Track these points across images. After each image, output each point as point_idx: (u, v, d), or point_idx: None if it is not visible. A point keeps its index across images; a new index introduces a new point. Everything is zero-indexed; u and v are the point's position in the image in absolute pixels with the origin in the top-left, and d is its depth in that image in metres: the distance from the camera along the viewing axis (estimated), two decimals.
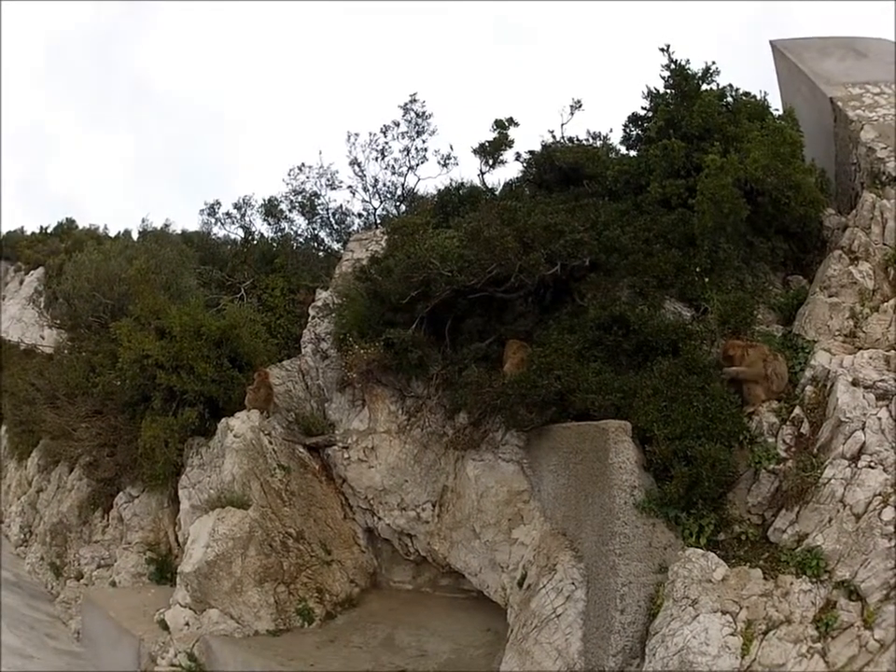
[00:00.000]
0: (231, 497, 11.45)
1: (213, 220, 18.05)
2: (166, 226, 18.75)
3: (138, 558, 13.58)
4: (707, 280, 9.43)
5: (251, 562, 11.04)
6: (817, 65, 13.61)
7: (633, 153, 11.25)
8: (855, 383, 8.70)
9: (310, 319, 11.62)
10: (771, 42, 14.41)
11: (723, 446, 8.32)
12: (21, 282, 22.99)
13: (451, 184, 12.69)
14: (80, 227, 21.07)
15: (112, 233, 18.57)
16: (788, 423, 8.77)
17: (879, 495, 7.72)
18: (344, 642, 10.90)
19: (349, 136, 17.25)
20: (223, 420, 11.80)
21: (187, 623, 10.79)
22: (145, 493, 13.64)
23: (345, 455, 10.97)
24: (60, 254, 19.74)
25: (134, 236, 18.25)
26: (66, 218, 22.65)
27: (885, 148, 11.64)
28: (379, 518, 11.08)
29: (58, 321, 17.30)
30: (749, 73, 14.55)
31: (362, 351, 9.67)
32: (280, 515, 11.35)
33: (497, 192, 12.06)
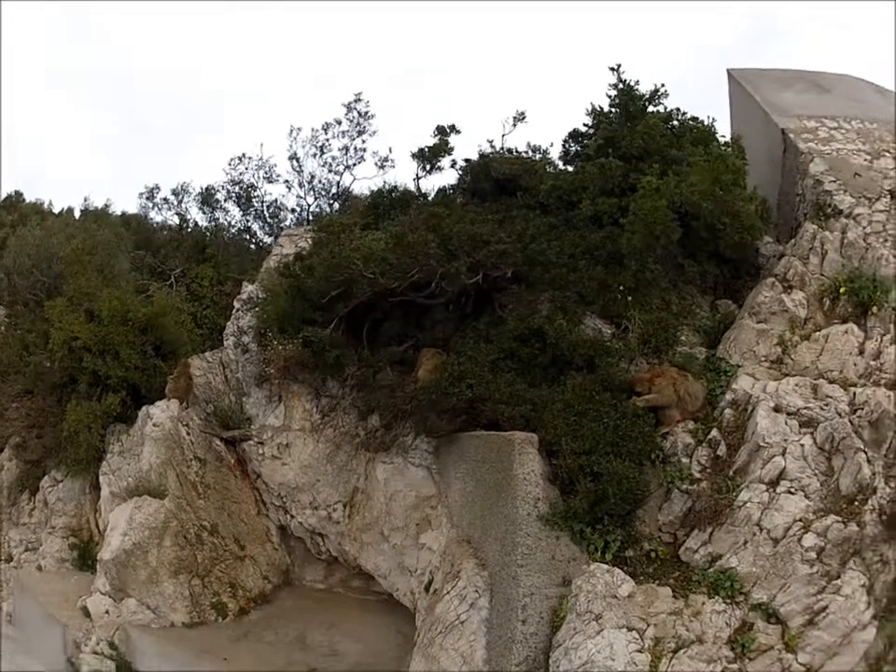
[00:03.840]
0: (148, 486, 11.35)
1: (151, 205, 17.80)
2: (107, 206, 18.57)
3: (62, 543, 13.38)
4: (630, 299, 9.50)
5: (166, 553, 10.98)
6: (772, 96, 13.80)
7: (570, 169, 11.31)
8: (777, 409, 8.86)
9: (234, 312, 11.51)
10: (728, 70, 14.60)
11: (633, 464, 8.38)
12: None
13: (385, 186, 12.71)
14: (28, 201, 20.67)
15: (56, 209, 18.28)
16: (704, 444, 8.90)
17: (800, 521, 7.91)
18: (257, 638, 10.93)
19: (291, 130, 17.09)
20: (144, 408, 11.71)
21: (107, 612, 10.77)
22: (69, 477, 13.42)
23: (260, 451, 10.89)
24: (5, 227, 19.31)
25: (77, 214, 17.98)
26: (14, 191, 22.13)
27: (833, 182, 11.88)
28: (292, 516, 11.01)
29: None
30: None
31: (281, 347, 9.60)
32: (195, 507, 11.25)
33: (430, 198, 12.04)
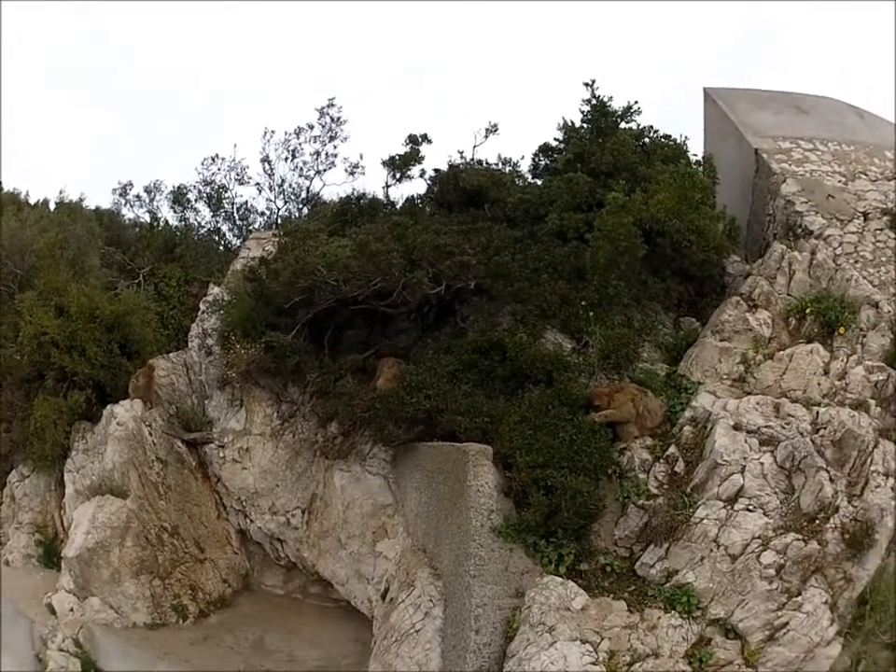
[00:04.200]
0: (111, 485, 11.34)
1: (123, 201, 17.79)
2: (81, 200, 18.39)
3: (28, 539, 13.33)
4: (592, 314, 9.54)
5: (128, 553, 10.97)
6: (748, 116, 13.89)
7: (539, 182, 11.38)
8: (737, 427, 8.92)
9: (200, 313, 11.51)
10: (705, 89, 14.70)
11: (588, 478, 8.42)
12: None
13: (353, 193, 12.68)
14: (5, 190, 20.52)
15: (33, 200, 18.21)
16: (662, 460, 8.95)
17: (758, 538, 7.98)
18: (217, 641, 10.95)
19: (265, 133, 17.15)
20: (108, 407, 11.67)
21: (71, 609, 10.79)
22: (35, 473, 13.37)
23: (221, 454, 10.89)
24: None
25: (53, 206, 17.92)
26: None
27: (805, 203, 12.01)
28: (251, 520, 11.01)
29: None
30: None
31: (243, 351, 9.60)
32: (156, 508, 11.24)
33: (398, 206, 12.06)
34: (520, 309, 9.40)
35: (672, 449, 9.05)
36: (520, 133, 12.73)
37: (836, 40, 37.25)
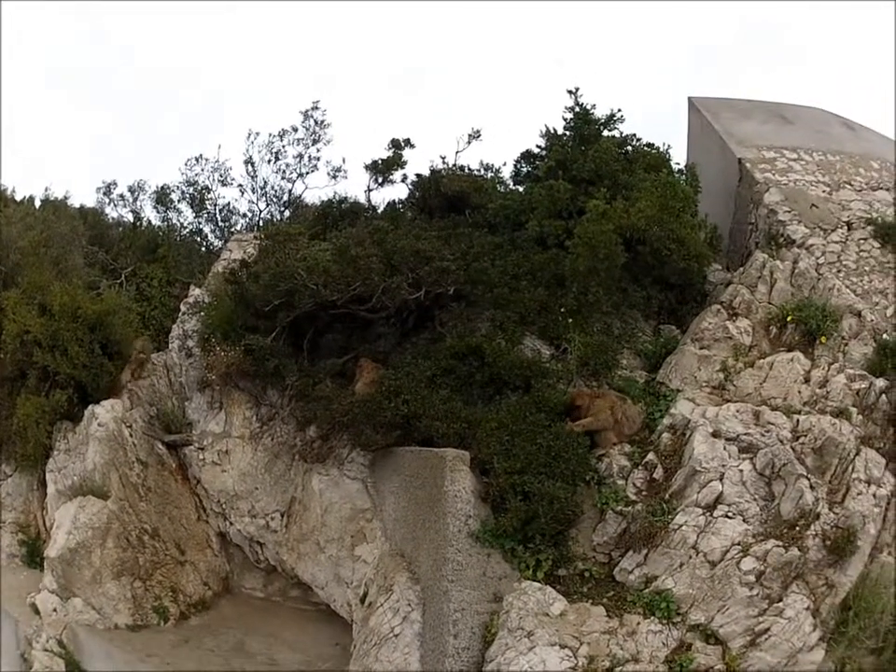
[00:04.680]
0: (92, 485, 11.28)
1: (107, 200, 17.61)
2: (66, 198, 18.31)
3: (11, 538, 13.18)
4: (571, 321, 9.62)
5: (109, 553, 10.93)
6: (733, 126, 14.01)
7: (520, 189, 11.44)
8: (716, 434, 9.00)
9: (181, 315, 11.50)
10: (689, 98, 14.84)
11: (566, 485, 8.50)
12: None
13: (335, 197, 12.80)
14: None
15: (18, 197, 18.16)
16: (640, 467, 9.05)
17: (738, 544, 8.05)
18: (198, 644, 10.90)
19: (249, 134, 17.06)
20: (90, 407, 11.56)
21: (55, 610, 10.70)
22: (17, 472, 13.27)
23: (201, 457, 10.86)
24: None
25: (38, 203, 17.90)
26: None
27: (788, 212, 12.12)
28: (231, 523, 10.98)
29: None
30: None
31: (223, 353, 9.60)
32: (137, 510, 11.19)
33: (379, 211, 12.11)
34: (499, 315, 9.46)
35: (651, 456, 9.13)
36: (504, 139, 12.85)
37: (835, 40, 37.45)
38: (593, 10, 39.92)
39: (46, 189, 18.01)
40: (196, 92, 37.67)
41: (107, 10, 40.01)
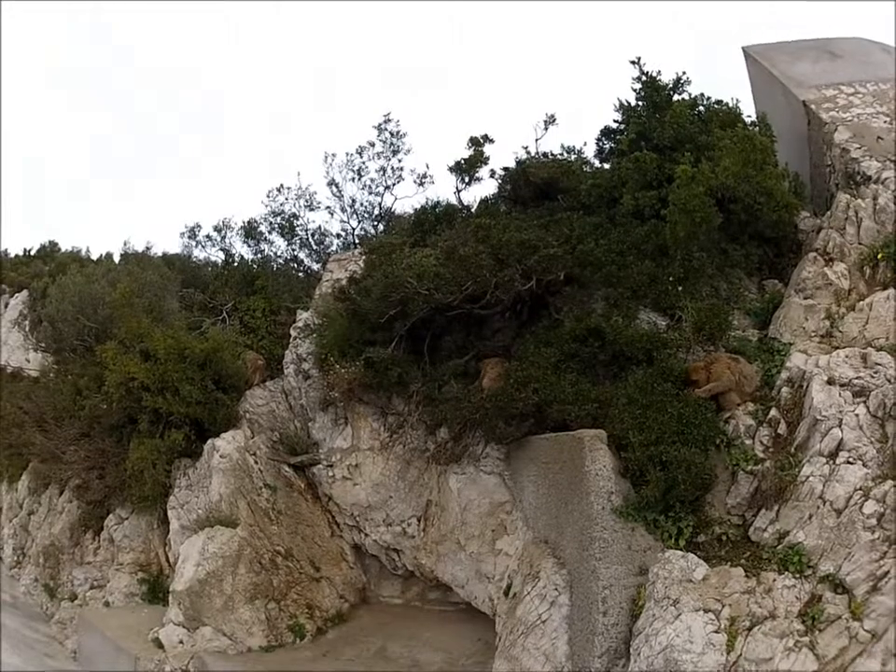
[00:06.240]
0: (219, 516, 11.56)
1: (193, 243, 18.18)
2: (147, 248, 18.97)
3: (130, 578, 13.59)
4: (680, 289, 9.64)
5: (241, 579, 11.15)
6: (789, 69, 13.78)
7: (606, 166, 11.43)
8: (831, 381, 8.91)
9: (291, 340, 11.71)
10: (743, 48, 14.59)
11: (699, 450, 8.51)
12: (6, 305, 22.97)
13: (427, 203, 12.87)
14: (63, 250, 21.17)
15: (94, 256, 18.69)
16: (765, 424, 9.00)
17: (860, 489, 7.92)
18: (336, 655, 11.04)
19: (326, 157, 17.38)
20: (209, 441, 11.90)
21: (181, 641, 10.87)
22: (134, 514, 13.64)
23: (330, 474, 11.06)
24: (43, 277, 19.76)
25: (116, 259, 18.34)
26: (49, 241, 22.84)
27: (859, 149, 11.88)
28: (366, 534, 11.17)
29: (42, 344, 17.29)
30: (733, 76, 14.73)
31: (343, 370, 9.78)
32: (268, 533, 11.46)
33: (472, 210, 12.17)
34: (611, 293, 9.49)
35: (773, 412, 9.06)
36: (574, 122, 12.78)
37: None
38: None
39: (125, 244, 18.50)
40: (196, 92, 37.75)
41: (107, 10, 40.20)
